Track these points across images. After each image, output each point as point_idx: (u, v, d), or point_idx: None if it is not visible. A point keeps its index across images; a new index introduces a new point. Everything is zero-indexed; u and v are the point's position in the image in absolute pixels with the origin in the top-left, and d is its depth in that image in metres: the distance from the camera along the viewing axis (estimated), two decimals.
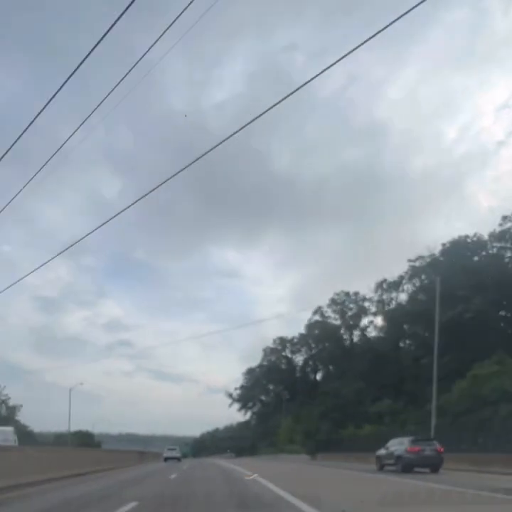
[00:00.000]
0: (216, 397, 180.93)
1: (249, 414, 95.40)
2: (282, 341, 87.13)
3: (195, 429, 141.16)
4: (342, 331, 73.53)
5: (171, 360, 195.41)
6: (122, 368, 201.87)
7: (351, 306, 72.54)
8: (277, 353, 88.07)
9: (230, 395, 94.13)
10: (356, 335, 71.57)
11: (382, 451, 23.55)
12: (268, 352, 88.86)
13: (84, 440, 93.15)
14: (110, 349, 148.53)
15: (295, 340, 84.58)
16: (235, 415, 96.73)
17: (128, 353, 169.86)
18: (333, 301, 72.92)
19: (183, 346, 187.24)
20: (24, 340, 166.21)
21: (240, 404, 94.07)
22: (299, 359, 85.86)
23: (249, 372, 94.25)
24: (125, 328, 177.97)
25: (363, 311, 70.72)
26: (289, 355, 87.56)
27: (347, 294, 72.30)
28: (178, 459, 42.90)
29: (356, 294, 71.72)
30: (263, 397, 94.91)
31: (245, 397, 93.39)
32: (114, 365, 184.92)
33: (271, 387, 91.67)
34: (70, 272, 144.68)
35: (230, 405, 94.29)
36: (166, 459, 42.21)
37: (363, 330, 70.41)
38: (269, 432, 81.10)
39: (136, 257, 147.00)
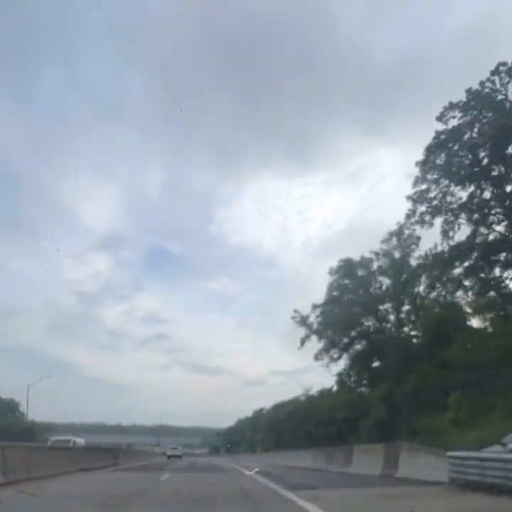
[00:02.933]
0: (252, 389, 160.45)
1: (344, 360, 44.31)
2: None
3: (231, 421, 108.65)
4: None
5: (208, 352, 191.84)
6: (158, 360, 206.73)
7: None
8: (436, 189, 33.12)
9: (304, 322, 44.07)
10: None
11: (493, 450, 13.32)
12: (419, 181, 33.75)
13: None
14: (146, 342, 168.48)
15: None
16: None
17: (164, 346, 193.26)
18: None
19: (220, 338, 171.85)
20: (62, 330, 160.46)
21: (325, 342, 43.50)
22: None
23: (344, 269, 43.25)
24: (161, 320, 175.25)
25: None
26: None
27: None
28: (179, 456, 49.02)
29: None
30: (373, 324, 43.61)
31: (336, 326, 42.46)
32: (150, 357, 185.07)
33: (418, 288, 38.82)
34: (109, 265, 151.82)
35: (303, 343, 44.44)
36: (169, 457, 47.54)
37: None
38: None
39: (170, 248, 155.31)
